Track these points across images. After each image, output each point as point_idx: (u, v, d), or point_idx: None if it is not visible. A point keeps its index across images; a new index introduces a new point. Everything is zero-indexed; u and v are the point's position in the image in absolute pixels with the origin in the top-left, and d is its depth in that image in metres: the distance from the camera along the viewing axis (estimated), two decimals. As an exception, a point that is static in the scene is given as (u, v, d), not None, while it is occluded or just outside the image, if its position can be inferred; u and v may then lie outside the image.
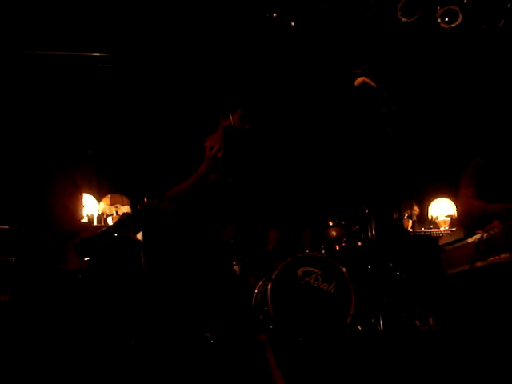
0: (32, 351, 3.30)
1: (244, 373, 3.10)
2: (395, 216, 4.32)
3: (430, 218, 6.46)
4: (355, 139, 6.35)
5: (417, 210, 6.39)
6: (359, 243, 5.38)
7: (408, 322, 4.38)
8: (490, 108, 6.18)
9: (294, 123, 6.27)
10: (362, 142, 6.26)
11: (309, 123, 6.34)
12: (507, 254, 3.64)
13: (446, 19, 5.75)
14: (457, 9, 5.71)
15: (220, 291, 3.30)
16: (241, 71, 5.95)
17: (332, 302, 4.56)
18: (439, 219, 6.33)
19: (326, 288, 4.63)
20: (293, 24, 5.73)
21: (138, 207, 4.41)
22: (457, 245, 4.15)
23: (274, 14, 5.64)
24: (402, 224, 5.72)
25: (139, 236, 5.18)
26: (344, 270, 4.75)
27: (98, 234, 4.31)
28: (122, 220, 4.19)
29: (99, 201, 5.71)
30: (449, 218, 6.28)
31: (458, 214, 5.75)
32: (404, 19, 5.73)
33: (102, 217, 5.60)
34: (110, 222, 5.53)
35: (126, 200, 5.69)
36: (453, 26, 5.76)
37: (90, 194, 5.62)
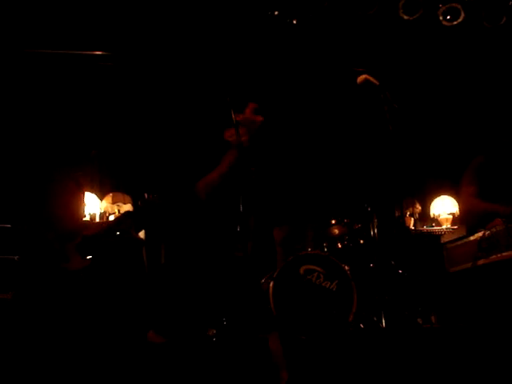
0: (34, 349, 3.31)
1: (249, 370, 3.11)
2: (397, 214, 4.31)
3: (432, 215, 6.46)
4: (357, 137, 6.34)
5: (419, 207, 6.38)
6: (361, 241, 5.37)
7: (410, 320, 4.38)
8: (492, 106, 6.18)
9: (295, 121, 6.26)
10: (364, 139, 6.26)
11: (311, 121, 6.34)
12: (509, 252, 3.64)
13: (448, 17, 5.73)
14: (459, 6, 5.70)
15: (234, 289, 3.31)
16: (243, 70, 5.95)
17: (334, 300, 4.56)
18: (441, 217, 6.32)
19: (328, 286, 4.63)
20: (295, 22, 5.72)
21: (139, 203, 4.41)
22: (459, 243, 4.15)
23: (276, 12, 5.64)
24: (404, 222, 5.72)
25: (141, 234, 5.19)
26: (346, 268, 4.75)
27: (99, 232, 4.31)
28: (123, 217, 4.19)
29: (101, 199, 5.71)
30: (451, 216, 6.27)
31: (459, 212, 5.75)
32: (406, 17, 5.72)
33: (104, 215, 5.61)
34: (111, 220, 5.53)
35: (127, 198, 5.69)
36: (455, 23, 5.74)
37: (91, 192, 5.62)
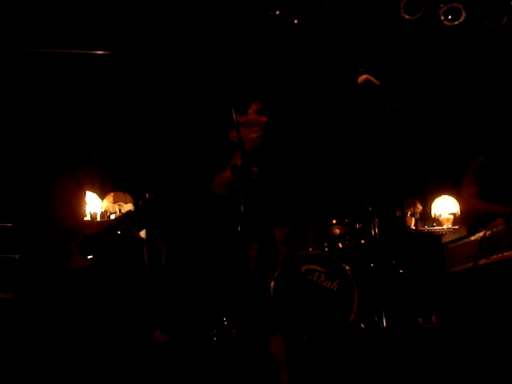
0: (35, 348, 3.31)
1: (250, 370, 3.11)
2: (398, 214, 4.31)
3: (433, 215, 6.46)
4: (358, 137, 6.34)
5: (420, 207, 6.38)
6: (362, 241, 5.37)
7: (411, 320, 4.38)
8: (493, 106, 6.17)
9: (296, 121, 6.26)
10: (364, 139, 6.26)
11: (312, 121, 6.34)
12: (510, 252, 3.64)
13: (449, 17, 5.73)
14: (460, 6, 5.70)
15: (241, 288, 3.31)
16: (244, 69, 5.95)
17: (335, 300, 4.56)
18: (442, 217, 6.32)
19: (329, 286, 4.64)
20: (296, 22, 5.72)
21: (140, 203, 4.42)
22: (460, 243, 4.14)
23: (277, 12, 5.64)
24: (404, 222, 5.71)
25: (142, 234, 5.20)
26: (347, 267, 4.75)
27: (101, 232, 4.32)
28: (124, 216, 4.19)
29: (102, 199, 5.72)
30: (452, 216, 6.27)
31: (460, 212, 5.75)
32: (407, 16, 5.71)
33: (105, 214, 5.61)
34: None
35: (129, 198, 5.69)
36: (456, 23, 5.74)
37: (93, 191, 5.63)
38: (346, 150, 6.37)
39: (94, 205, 5.58)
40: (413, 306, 4.71)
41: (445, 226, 6.12)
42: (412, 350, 3.58)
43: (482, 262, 3.84)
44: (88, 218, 5.37)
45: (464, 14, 5.70)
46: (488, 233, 3.81)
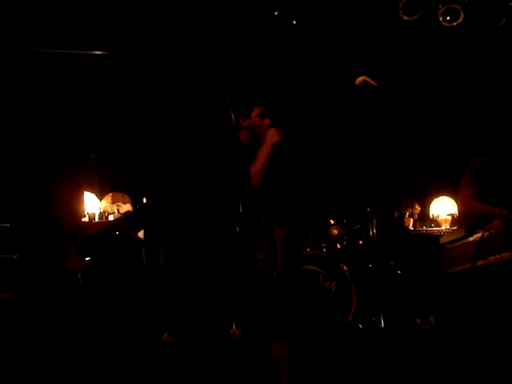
0: (34, 349, 3.31)
1: (249, 371, 3.11)
2: (396, 215, 4.32)
3: (431, 216, 6.46)
4: (356, 138, 6.34)
5: (418, 208, 6.39)
6: (360, 242, 5.38)
7: (409, 321, 4.38)
8: (491, 107, 6.18)
9: (294, 122, 6.26)
10: (362, 141, 6.26)
11: (310, 122, 6.34)
12: (508, 253, 3.64)
13: (448, 18, 5.74)
14: (458, 7, 5.70)
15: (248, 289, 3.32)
16: (241, 70, 5.95)
17: (333, 301, 4.57)
18: (440, 218, 6.32)
19: (327, 286, 4.64)
20: (294, 22, 5.72)
21: (138, 207, 4.43)
22: (458, 243, 4.15)
23: (276, 13, 5.64)
24: (403, 223, 5.72)
25: (141, 234, 5.20)
26: (345, 268, 4.76)
27: (99, 232, 4.32)
28: (121, 219, 4.20)
29: (100, 199, 5.72)
30: (450, 217, 6.28)
31: (458, 213, 5.76)
32: (405, 18, 5.72)
33: (103, 215, 5.61)
34: (111, 220, 5.53)
35: (127, 198, 5.69)
36: (454, 24, 5.75)
37: (91, 192, 5.63)
38: (345, 151, 6.37)
39: (93, 205, 5.58)
40: (411, 306, 4.71)
41: (443, 227, 6.12)
42: (410, 350, 3.58)
43: (479, 262, 3.84)
44: (86, 218, 5.37)
45: (462, 15, 5.71)
46: (486, 234, 3.81)
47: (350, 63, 5.94)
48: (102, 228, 4.64)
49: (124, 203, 5.61)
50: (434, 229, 6.09)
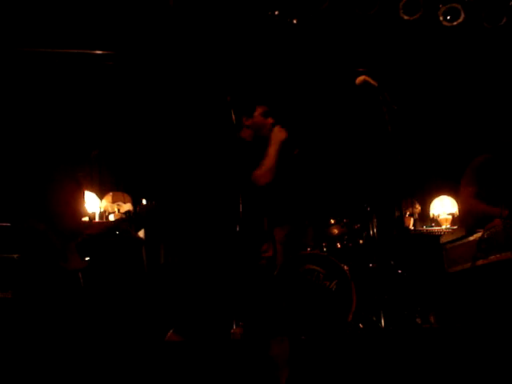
0: (34, 348, 3.31)
1: (249, 370, 3.12)
2: (397, 214, 4.32)
3: (431, 216, 6.46)
4: (356, 137, 6.34)
5: (418, 208, 6.38)
6: (361, 241, 5.38)
7: (409, 320, 4.39)
8: (491, 106, 6.18)
9: (295, 122, 6.26)
10: (363, 140, 6.26)
11: (310, 122, 6.33)
12: (508, 253, 3.64)
13: (448, 17, 5.73)
14: (459, 7, 5.70)
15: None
16: (243, 69, 5.95)
17: (333, 300, 4.57)
18: (441, 217, 6.32)
19: (327, 286, 4.64)
20: (295, 22, 5.72)
21: (138, 209, 4.43)
22: (458, 243, 4.15)
23: (276, 12, 5.64)
24: (403, 222, 5.72)
25: (141, 234, 5.20)
26: (345, 267, 4.76)
27: (100, 232, 4.33)
28: (120, 221, 4.21)
29: (101, 198, 5.72)
30: (450, 216, 6.27)
31: (459, 212, 5.76)
32: (406, 17, 5.72)
33: (103, 214, 5.61)
34: (111, 219, 5.53)
35: (127, 198, 5.69)
36: (455, 24, 5.74)
37: (91, 191, 5.63)
38: (345, 150, 6.37)
39: (93, 205, 5.58)
40: (411, 306, 4.72)
41: (443, 227, 6.12)
42: (410, 350, 3.58)
43: (480, 262, 3.85)
44: (86, 218, 5.37)
45: (463, 15, 5.71)
46: (486, 233, 3.81)
47: (350, 62, 5.94)
48: (102, 228, 4.65)
49: (124, 202, 5.60)
50: (434, 228, 6.09)
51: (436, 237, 5.57)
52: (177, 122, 6.00)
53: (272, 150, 3.58)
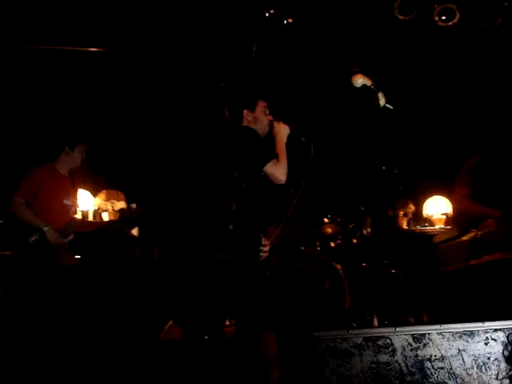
0: (27, 345, 3.31)
1: (240, 368, 3.12)
2: (390, 214, 4.32)
3: (425, 215, 6.47)
4: (351, 136, 6.35)
5: (412, 207, 6.39)
6: (354, 240, 5.39)
7: (402, 319, 4.39)
8: (486, 106, 6.19)
9: (289, 121, 6.26)
10: (357, 139, 6.26)
11: (304, 121, 6.33)
12: (501, 253, 3.65)
13: (443, 17, 5.73)
14: (454, 7, 5.70)
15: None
16: (237, 67, 5.95)
17: (326, 299, 4.57)
18: (434, 217, 6.34)
19: (320, 285, 4.64)
20: (290, 21, 5.71)
21: (126, 213, 4.42)
22: (451, 243, 4.16)
23: (272, 11, 5.63)
24: (397, 222, 5.73)
25: (135, 232, 5.19)
26: (338, 267, 4.76)
27: (93, 230, 4.32)
28: (112, 223, 4.22)
29: (95, 196, 5.71)
30: (444, 216, 6.29)
31: (452, 211, 5.77)
32: (401, 17, 5.71)
33: (97, 212, 5.59)
34: (105, 217, 5.52)
35: (121, 195, 5.68)
36: (450, 24, 5.75)
37: (85, 189, 5.61)
38: (339, 149, 6.37)
39: (87, 202, 5.57)
40: (404, 305, 4.72)
41: (437, 226, 6.14)
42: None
43: (473, 262, 3.86)
44: (79, 215, 5.36)
45: (458, 15, 5.71)
46: (479, 233, 3.82)
47: (345, 62, 5.94)
48: (94, 228, 4.65)
49: (118, 200, 5.60)
50: (427, 228, 6.11)
51: (429, 236, 5.59)
52: (171, 119, 5.99)
53: (280, 147, 3.58)
